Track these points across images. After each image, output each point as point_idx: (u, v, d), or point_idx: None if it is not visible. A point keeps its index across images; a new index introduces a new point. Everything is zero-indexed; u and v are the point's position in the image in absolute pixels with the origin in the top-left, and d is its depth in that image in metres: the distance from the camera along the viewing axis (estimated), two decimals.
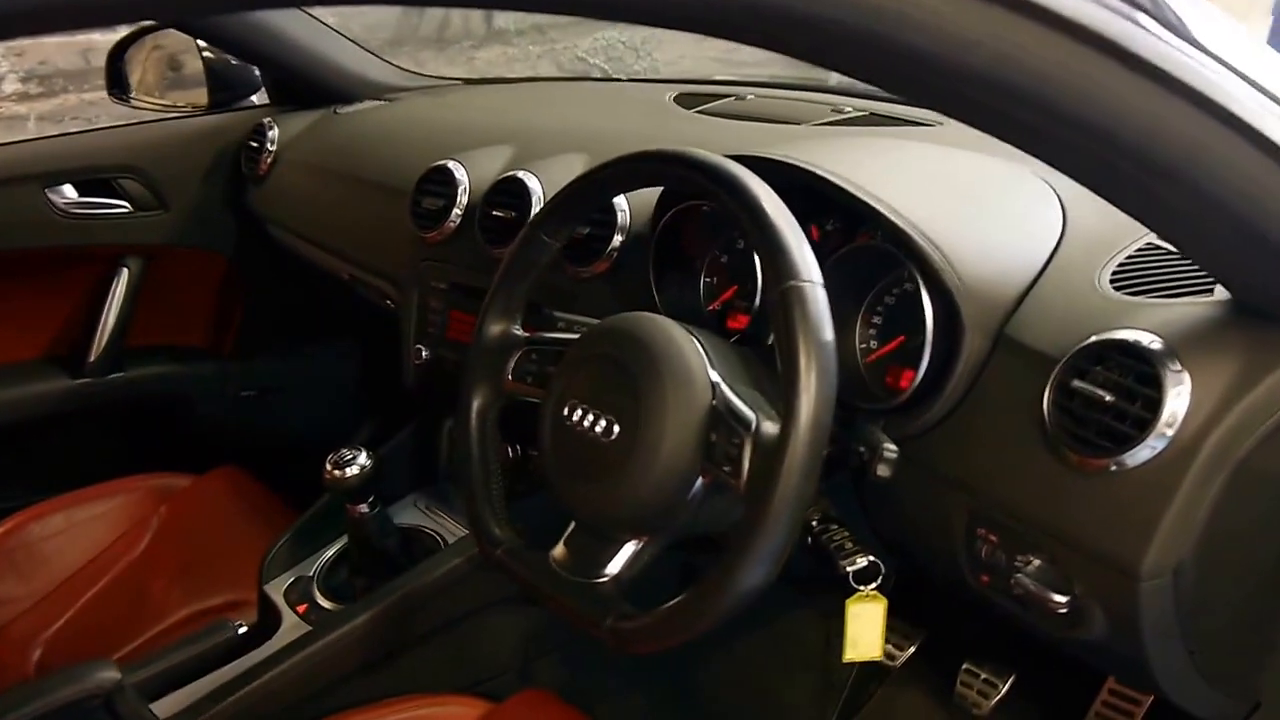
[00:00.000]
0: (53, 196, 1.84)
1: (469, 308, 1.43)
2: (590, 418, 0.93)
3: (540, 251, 1.08)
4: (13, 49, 6.55)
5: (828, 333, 0.81)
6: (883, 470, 0.90)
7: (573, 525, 0.99)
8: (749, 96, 1.61)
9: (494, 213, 1.38)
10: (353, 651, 1.25)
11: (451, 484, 1.57)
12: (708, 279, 1.21)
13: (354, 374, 2.24)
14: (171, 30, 2.01)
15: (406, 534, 1.44)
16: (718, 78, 1.85)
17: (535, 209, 1.34)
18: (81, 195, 1.89)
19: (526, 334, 1.09)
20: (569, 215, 1.07)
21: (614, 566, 0.93)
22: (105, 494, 1.80)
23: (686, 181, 0.96)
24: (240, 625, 1.32)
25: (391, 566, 1.36)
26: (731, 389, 0.89)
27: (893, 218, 0.95)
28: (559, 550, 0.98)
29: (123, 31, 2.02)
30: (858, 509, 1.05)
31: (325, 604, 1.36)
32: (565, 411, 0.96)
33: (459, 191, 1.45)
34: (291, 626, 1.33)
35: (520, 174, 1.38)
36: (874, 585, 0.99)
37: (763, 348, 1.08)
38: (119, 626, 1.55)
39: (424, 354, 1.48)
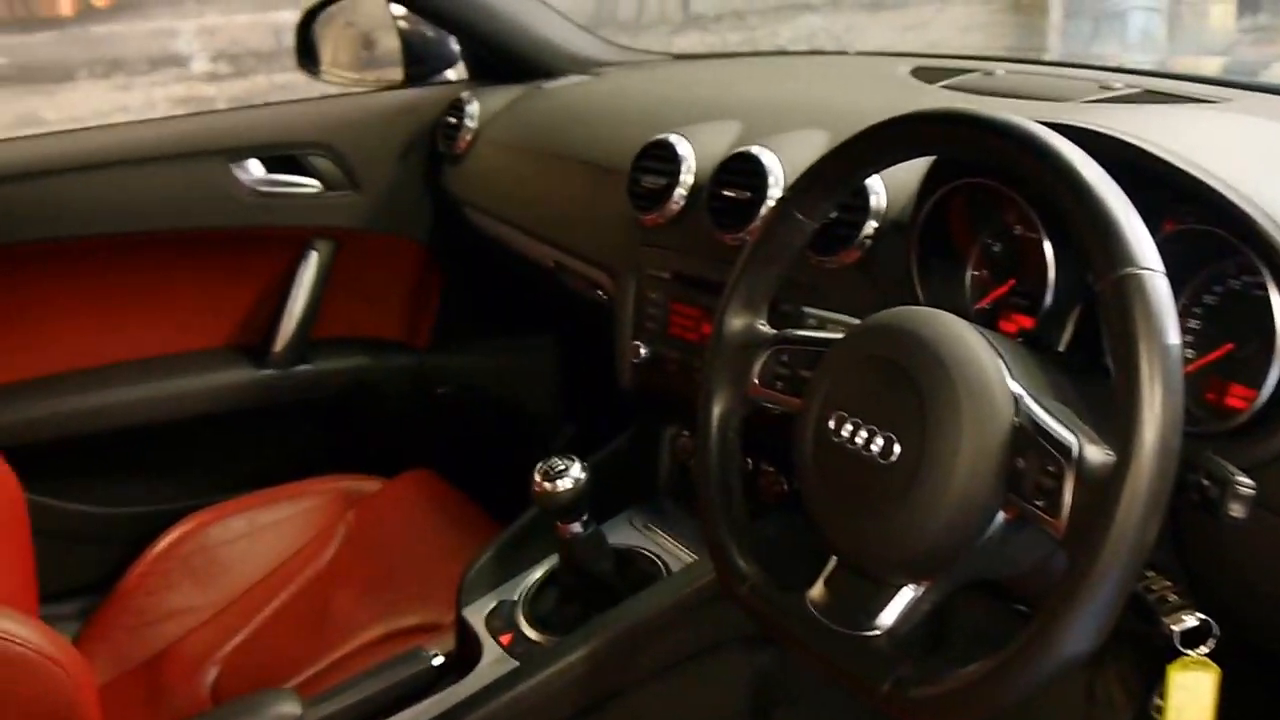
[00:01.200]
0: (238, 173, 1.83)
1: (693, 300, 1.34)
2: (863, 434, 0.83)
3: (794, 232, 0.97)
4: (205, 27, 6.88)
5: (1174, 334, 0.69)
6: (1236, 509, 0.77)
7: (834, 562, 0.88)
8: (999, 71, 1.48)
9: (724, 192, 1.29)
10: (566, 694, 1.17)
11: (676, 501, 1.48)
12: (975, 272, 1.09)
13: (558, 373, 2.18)
14: (363, 3, 1.99)
15: (622, 556, 1.36)
16: (955, 54, 1.72)
17: (772, 189, 1.24)
18: (269, 172, 1.87)
19: (774, 331, 0.99)
20: (829, 189, 0.96)
21: (887, 616, 0.82)
22: (289, 496, 1.80)
23: (983, 148, 0.84)
24: (436, 655, 1.27)
25: (606, 593, 1.28)
26: (1039, 403, 0.77)
27: (1233, 198, 0.82)
28: (818, 592, 0.88)
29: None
30: (1172, 555, 0.91)
31: (532, 634, 1.29)
32: (830, 425, 0.86)
33: (683, 169, 1.36)
34: (495, 661, 1.26)
35: (754, 149, 1.28)
36: (1204, 650, 0.85)
37: (1054, 353, 0.96)
38: (300, 647, 1.53)
39: (642, 352, 1.39)
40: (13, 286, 1.78)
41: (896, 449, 0.80)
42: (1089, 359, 0.93)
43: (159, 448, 1.93)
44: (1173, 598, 0.86)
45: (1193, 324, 0.91)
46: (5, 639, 0.98)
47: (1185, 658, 0.85)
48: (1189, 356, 0.90)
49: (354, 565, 1.67)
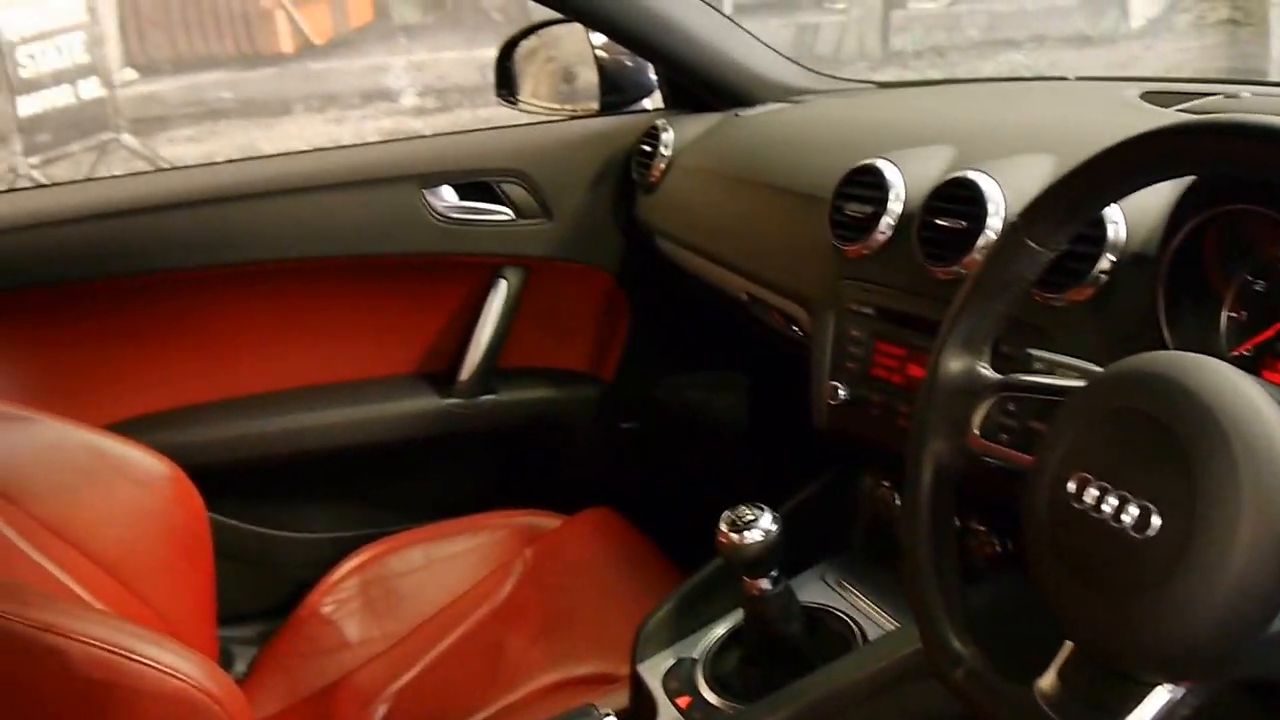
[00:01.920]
0: (431, 199, 1.80)
1: (899, 339, 1.22)
2: (1112, 501, 0.69)
3: (1025, 263, 0.84)
4: (414, 63, 7.08)
5: None
6: None
7: (1069, 649, 0.74)
8: (1245, 94, 1.31)
9: (937, 221, 1.16)
10: None
11: (872, 557, 1.35)
12: (1232, 314, 0.94)
13: (748, 412, 2.07)
14: (564, 38, 1.95)
15: (812, 615, 1.24)
16: (1185, 77, 1.55)
17: (991, 217, 1.11)
18: (462, 199, 1.83)
19: (998, 376, 0.86)
20: (1067, 216, 0.83)
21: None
22: (468, 529, 1.76)
23: (1262, 164, 0.70)
24: (609, 714, 1.17)
25: (795, 657, 1.16)
26: None
27: None
28: (1050, 683, 0.74)
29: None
30: None
31: (712, 699, 1.18)
32: (1070, 488, 0.72)
33: (891, 196, 1.24)
34: None
35: (971, 174, 1.15)
36: None
37: None
38: (471, 688, 1.47)
39: (841, 393, 1.27)
40: (205, 310, 1.79)
41: (1155, 521, 0.66)
42: None
43: (340, 474, 1.91)
44: None
45: None
46: (165, 672, 0.95)
47: None
48: None
49: (529, 605, 1.60)
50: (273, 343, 1.84)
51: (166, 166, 1.69)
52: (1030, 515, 0.76)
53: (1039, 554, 0.75)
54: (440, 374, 1.92)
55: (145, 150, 6.38)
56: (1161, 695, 0.68)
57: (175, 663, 0.96)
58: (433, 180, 1.80)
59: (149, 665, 0.94)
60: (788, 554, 1.17)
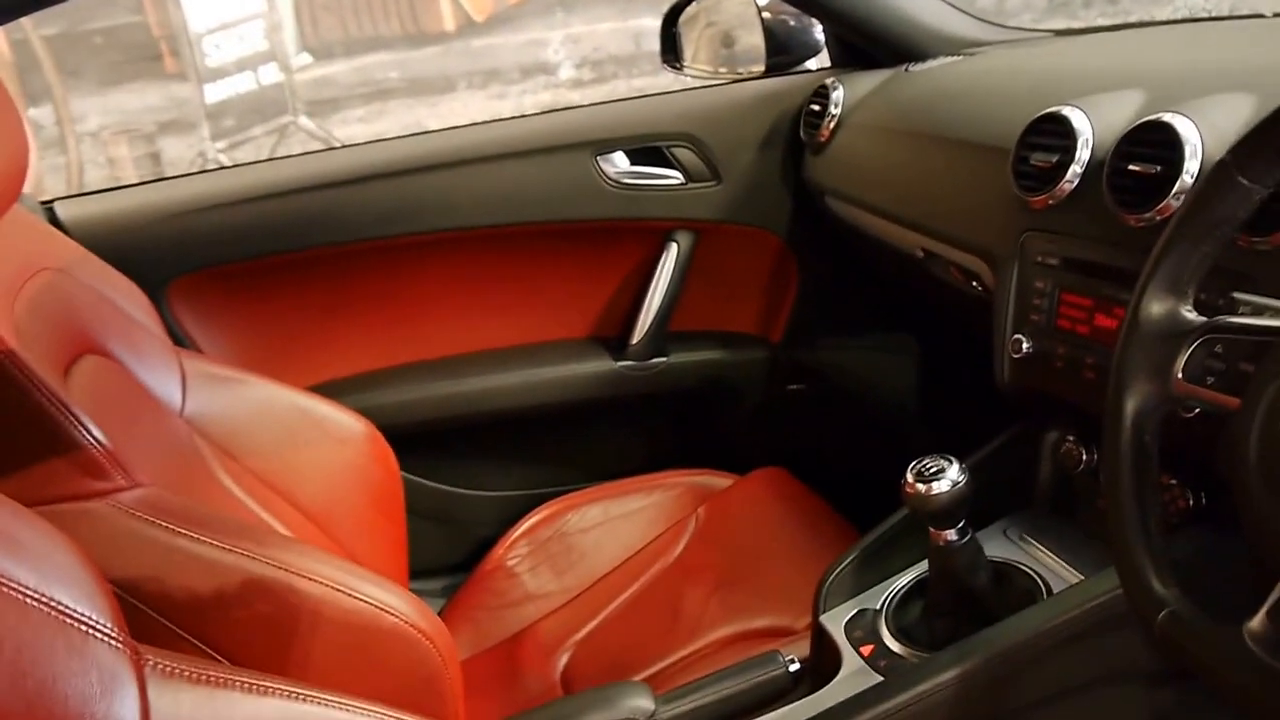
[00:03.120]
0: (604, 165, 1.81)
1: (1085, 289, 1.18)
2: None
3: (1237, 200, 0.80)
4: (571, 36, 7.14)
5: None
6: None
7: None
8: None
9: (1130, 167, 1.12)
10: (935, 716, 1.04)
11: (1055, 513, 1.32)
12: None
13: (918, 371, 2.04)
14: (725, 3, 1.94)
15: (998, 570, 1.21)
16: None
17: (1189, 160, 1.06)
18: (633, 165, 1.84)
19: (1204, 318, 0.83)
20: None
21: None
22: (643, 488, 1.78)
23: None
24: (793, 661, 1.17)
25: (980, 609, 1.14)
26: None
27: None
28: (1259, 623, 0.71)
29: None
30: None
31: (896, 647, 1.17)
32: None
33: (1079, 144, 1.19)
34: (855, 672, 1.15)
35: (1166, 117, 1.10)
36: None
37: None
38: (650, 639, 1.48)
39: (1025, 346, 1.24)
40: (393, 278, 1.83)
41: None
42: None
43: (521, 434, 1.95)
44: None
45: None
46: (382, 609, 1.01)
47: None
48: None
49: (704, 561, 1.61)
50: (456, 308, 1.88)
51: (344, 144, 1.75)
52: (1238, 457, 0.73)
53: (1251, 493, 0.72)
54: (614, 338, 1.94)
55: (320, 132, 6.58)
56: None
57: (393, 602, 1.01)
58: (605, 147, 1.81)
59: (369, 602, 1.00)
60: (974, 509, 1.15)
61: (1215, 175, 0.81)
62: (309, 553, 1.04)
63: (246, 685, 0.71)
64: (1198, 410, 0.88)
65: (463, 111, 6.92)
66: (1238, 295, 0.91)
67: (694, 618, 1.51)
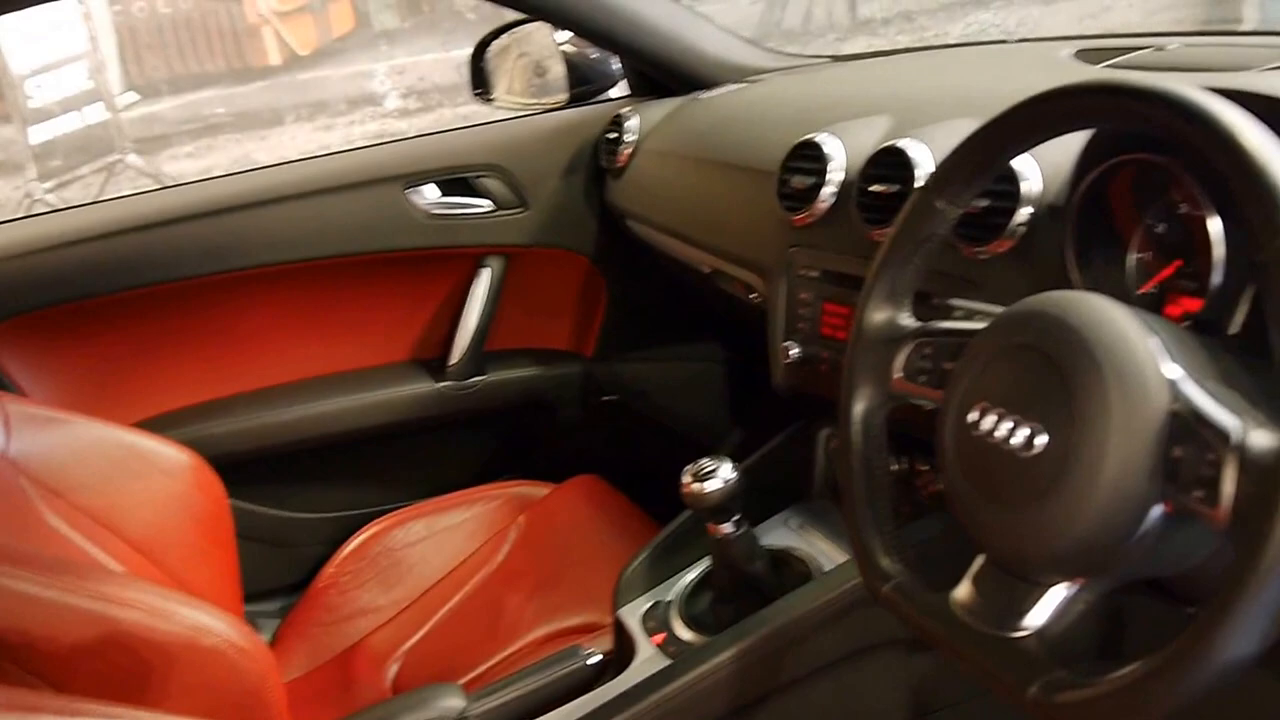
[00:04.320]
0: (414, 197, 1.85)
1: (844, 299, 1.27)
2: (1006, 425, 0.75)
3: (934, 223, 0.90)
4: (395, 67, 7.12)
5: None
6: None
7: (981, 560, 0.81)
8: (1173, 45, 1.36)
9: (872, 188, 1.21)
10: (717, 693, 1.11)
11: (832, 502, 1.41)
12: (1139, 255, 0.99)
13: (721, 377, 2.13)
14: (534, 34, 1.99)
15: (776, 557, 1.30)
16: (1123, 33, 1.59)
17: (920, 181, 1.16)
18: (444, 195, 1.89)
19: (917, 323, 0.92)
20: (971, 176, 0.88)
21: (1037, 617, 0.74)
22: (465, 502, 1.81)
23: (1132, 118, 0.76)
24: (592, 654, 1.23)
25: (760, 594, 1.22)
26: (1199, 387, 0.69)
27: None
28: (964, 591, 0.80)
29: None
30: None
31: (685, 634, 1.24)
32: (972, 417, 0.78)
33: (831, 167, 1.29)
34: (647, 659, 1.22)
35: (902, 143, 1.20)
36: None
37: (1225, 337, 0.86)
38: (473, 644, 1.52)
39: (794, 352, 1.33)
40: (219, 311, 1.84)
41: (1041, 440, 0.72)
42: (1265, 342, 0.83)
43: (348, 457, 1.97)
44: None
45: None
46: (200, 631, 1.03)
47: None
48: None
49: (524, 567, 1.66)
50: (279, 339, 1.90)
51: (172, 183, 1.75)
52: (941, 443, 0.82)
53: (949, 477, 0.81)
54: (433, 359, 1.97)
55: (149, 168, 6.44)
56: (1058, 593, 0.74)
57: (210, 623, 1.03)
58: (415, 180, 1.85)
59: (187, 625, 1.02)
60: (757, 503, 1.23)
61: (916, 200, 0.90)
62: (128, 583, 1.06)
63: (59, 709, 0.73)
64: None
65: (291, 144, 6.84)
66: (954, 301, 1.01)
67: (513, 620, 1.56)
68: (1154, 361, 0.70)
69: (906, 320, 0.92)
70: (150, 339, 1.82)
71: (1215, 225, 0.88)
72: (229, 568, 1.52)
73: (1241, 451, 0.63)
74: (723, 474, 1.16)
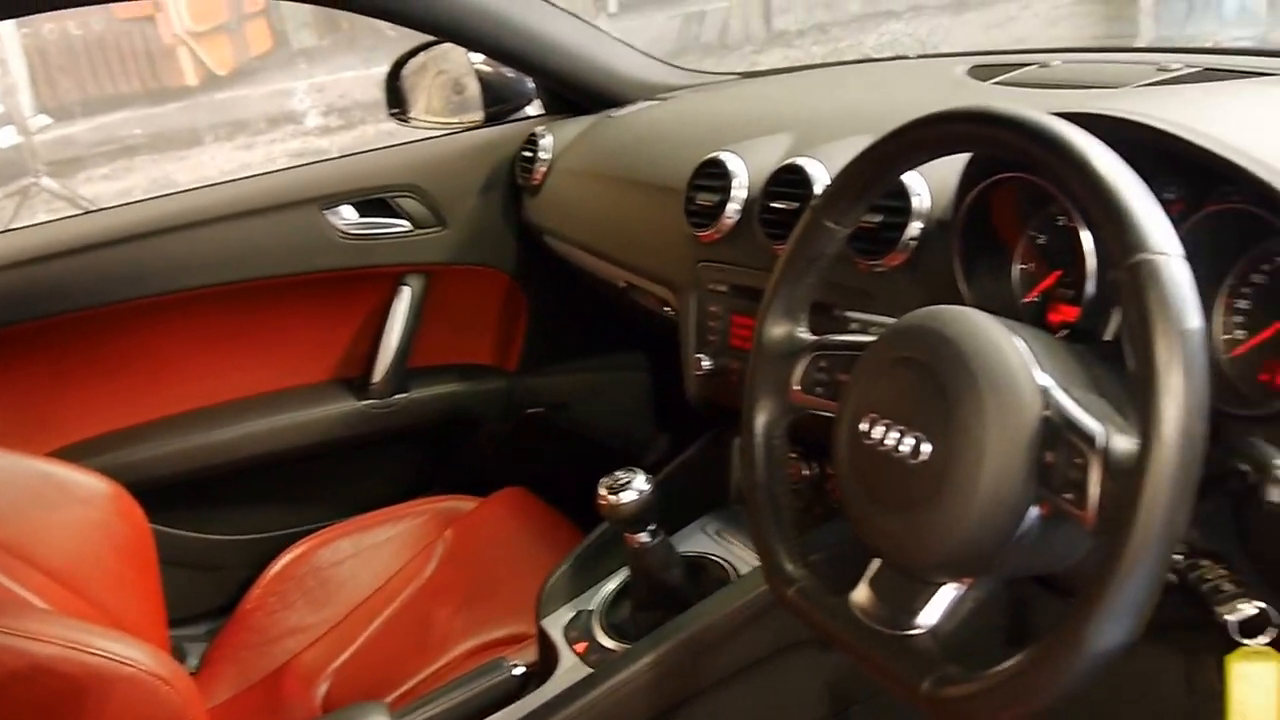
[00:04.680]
0: (332, 218, 1.86)
1: (751, 311, 1.31)
2: (894, 435, 0.79)
3: (824, 241, 0.94)
4: (315, 85, 7.08)
5: (1193, 318, 0.65)
6: (1276, 494, 0.72)
7: (877, 564, 0.85)
8: (1056, 63, 1.42)
9: (774, 205, 1.26)
10: (636, 699, 1.14)
11: (740, 506, 1.45)
12: (1023, 266, 1.05)
13: (642, 389, 2.17)
14: (451, 52, 2.01)
15: (694, 563, 1.33)
16: (1016, 49, 1.66)
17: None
18: (361, 216, 1.90)
19: (814, 337, 0.96)
20: (858, 195, 0.93)
21: (929, 616, 0.78)
22: (391, 518, 1.82)
23: (995, 143, 0.80)
24: (516, 665, 1.26)
25: (678, 600, 1.25)
26: (1067, 394, 0.73)
27: (1268, 178, 0.77)
28: (862, 593, 0.84)
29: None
30: (1235, 542, 0.85)
31: (607, 642, 1.27)
32: (863, 427, 0.82)
33: (734, 185, 1.33)
34: (570, 668, 1.24)
35: (801, 161, 1.24)
36: (1265, 640, 0.79)
37: (1100, 344, 0.91)
38: (402, 660, 1.54)
39: (705, 364, 1.37)
40: (136, 337, 1.83)
41: (926, 449, 0.76)
42: None
43: (272, 478, 1.97)
44: (1228, 586, 0.80)
45: (1242, 304, 0.85)
46: (117, 660, 1.02)
47: (1244, 648, 0.80)
48: (1239, 337, 0.85)
49: (451, 580, 1.67)
50: (199, 363, 1.89)
51: (88, 207, 1.73)
52: (836, 452, 0.86)
53: (844, 485, 0.85)
54: (356, 378, 1.98)
55: (65, 191, 6.34)
56: (948, 593, 0.78)
57: (127, 652, 1.02)
58: (332, 201, 1.86)
59: (103, 656, 1.01)
60: (675, 511, 1.26)
61: (806, 220, 0.94)
62: (45, 617, 1.06)
63: None
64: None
65: (211, 164, 6.77)
66: (849, 314, 1.05)
67: (442, 634, 1.57)
68: (1026, 371, 0.74)
69: (803, 334, 0.96)
70: (68, 366, 1.81)
71: (1087, 239, 0.94)
72: (152, 594, 1.52)
73: (1105, 455, 0.67)
74: (637, 485, 1.19)
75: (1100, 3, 6.96)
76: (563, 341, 2.11)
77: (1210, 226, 0.85)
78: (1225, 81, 1.13)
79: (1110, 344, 0.91)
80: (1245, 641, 0.78)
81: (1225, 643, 0.78)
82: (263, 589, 1.75)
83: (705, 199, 1.36)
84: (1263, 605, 0.78)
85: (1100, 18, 6.89)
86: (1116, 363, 0.82)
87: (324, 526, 1.83)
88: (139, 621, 1.42)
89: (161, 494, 1.68)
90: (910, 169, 0.92)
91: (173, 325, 1.85)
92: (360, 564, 1.76)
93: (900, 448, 0.78)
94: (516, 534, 1.76)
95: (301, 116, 7.04)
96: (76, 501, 1.44)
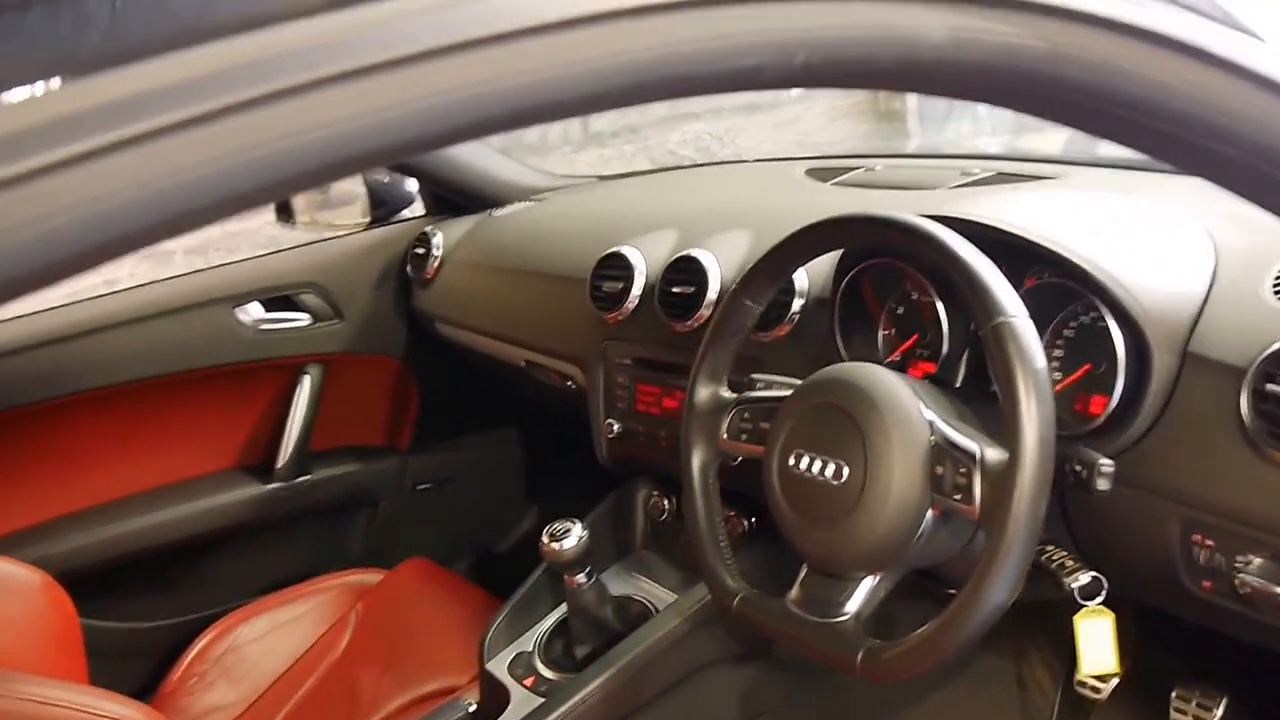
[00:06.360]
0: (241, 315, 1.99)
1: (654, 380, 1.53)
2: (819, 464, 1.01)
3: (745, 315, 1.16)
4: None
5: (1040, 361, 0.89)
6: (1103, 484, 0.96)
7: (806, 568, 1.06)
8: (878, 167, 1.70)
9: (673, 289, 1.48)
10: (590, 717, 1.32)
11: (653, 552, 1.64)
12: (885, 332, 1.29)
13: (524, 459, 2.36)
14: None
15: (619, 602, 1.51)
16: (838, 152, 1.94)
17: (713, 283, 1.43)
18: (267, 311, 2.04)
19: (735, 395, 1.17)
20: (770, 279, 1.16)
21: (853, 604, 1.00)
22: (304, 594, 1.90)
23: (882, 239, 1.05)
24: (471, 704, 1.40)
25: (609, 634, 1.43)
26: (947, 424, 0.96)
27: (1072, 258, 1.04)
28: (795, 594, 1.05)
29: None
30: (1064, 529, 1.11)
31: (550, 674, 1.44)
32: (791, 461, 1.04)
33: (636, 273, 1.55)
34: (522, 700, 1.40)
35: (694, 252, 1.47)
36: (1099, 600, 1.04)
37: (954, 389, 1.16)
38: None
39: (615, 428, 1.57)
40: (55, 433, 1.90)
41: (846, 472, 0.99)
42: (980, 389, 1.13)
43: (187, 563, 2.04)
44: (1069, 563, 1.05)
45: (1058, 353, 1.11)
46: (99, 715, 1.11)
47: (1085, 608, 1.04)
48: (1057, 378, 1.11)
49: (369, 648, 1.77)
50: (117, 455, 1.97)
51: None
52: (768, 484, 1.07)
53: (778, 509, 1.06)
54: (261, 463, 2.09)
55: None
56: (867, 584, 1.01)
57: (126, 712, 1.13)
58: (242, 300, 2.00)
59: (105, 715, 1.10)
60: (594, 558, 1.45)
61: (729, 299, 1.17)
62: (37, 681, 1.14)
63: None
64: (742, 459, 1.22)
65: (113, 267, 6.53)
66: (755, 376, 1.27)
67: (370, 695, 1.67)
68: (918, 408, 0.98)
69: (726, 394, 1.18)
70: None
71: (941, 309, 1.19)
72: (80, 682, 1.58)
73: (982, 464, 0.90)
74: (576, 533, 1.37)
75: (871, 103, 7.48)
76: (453, 419, 2.28)
77: (1032, 296, 1.10)
78: (1018, 184, 1.42)
79: (961, 389, 1.15)
80: (1086, 603, 1.03)
81: (1072, 606, 1.02)
82: (183, 671, 1.79)
83: (610, 286, 1.57)
84: (1095, 574, 1.03)
85: (872, 115, 7.39)
86: (970, 401, 1.06)
87: (239, 606, 1.90)
88: None
89: (83, 584, 1.73)
90: (813, 259, 1.16)
91: (94, 420, 1.93)
92: (277, 640, 1.82)
93: (825, 473, 1.00)
94: (425, 600, 1.87)
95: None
96: (13, 594, 1.50)
